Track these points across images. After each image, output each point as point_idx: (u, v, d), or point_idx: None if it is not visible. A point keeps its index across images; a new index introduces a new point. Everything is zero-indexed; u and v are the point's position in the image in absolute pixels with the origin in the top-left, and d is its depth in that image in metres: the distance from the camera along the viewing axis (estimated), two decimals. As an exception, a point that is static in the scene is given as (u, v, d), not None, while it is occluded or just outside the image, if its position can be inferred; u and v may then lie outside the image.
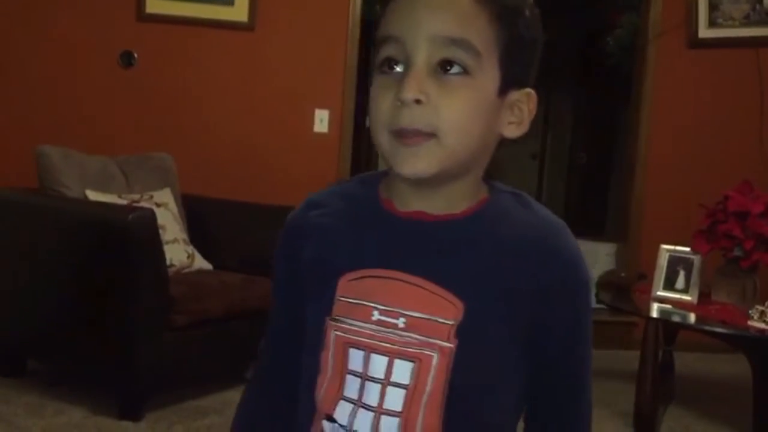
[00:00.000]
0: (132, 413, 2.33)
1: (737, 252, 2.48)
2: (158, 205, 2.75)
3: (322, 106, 3.55)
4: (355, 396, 0.73)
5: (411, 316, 0.72)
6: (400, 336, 0.72)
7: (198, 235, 2.92)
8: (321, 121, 3.57)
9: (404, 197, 0.75)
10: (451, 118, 0.69)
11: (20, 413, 2.34)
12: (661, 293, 2.61)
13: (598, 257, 4.04)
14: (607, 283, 2.87)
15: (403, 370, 0.72)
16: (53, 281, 2.50)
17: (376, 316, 0.72)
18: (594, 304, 4.16)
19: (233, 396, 2.39)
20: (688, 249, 2.59)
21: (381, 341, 0.72)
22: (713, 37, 3.57)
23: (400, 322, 0.72)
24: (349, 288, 0.74)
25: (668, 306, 2.56)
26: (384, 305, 0.72)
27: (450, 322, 0.71)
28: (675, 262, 2.60)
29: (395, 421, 0.72)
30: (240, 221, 2.95)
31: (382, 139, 0.71)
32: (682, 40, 3.63)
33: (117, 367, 2.37)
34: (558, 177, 6.62)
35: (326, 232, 0.77)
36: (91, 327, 2.40)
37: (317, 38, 3.53)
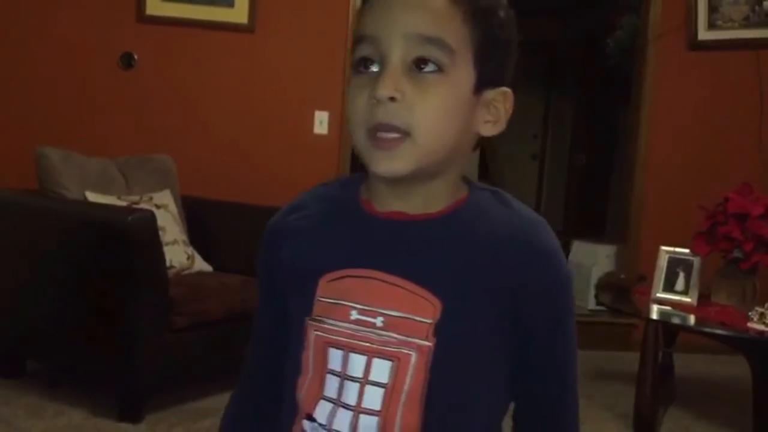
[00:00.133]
0: (132, 415, 2.33)
1: (737, 254, 2.48)
2: (158, 206, 2.76)
3: (322, 108, 3.56)
4: (334, 395, 0.74)
5: (389, 315, 0.72)
6: (379, 335, 0.72)
7: (198, 236, 2.92)
8: (321, 122, 3.57)
9: (382, 198, 0.76)
10: (426, 115, 0.70)
11: (20, 414, 2.34)
12: (660, 295, 2.61)
13: (597, 259, 4.04)
14: (606, 284, 2.87)
15: (381, 369, 0.72)
16: (53, 282, 2.50)
17: (354, 315, 0.73)
18: (593, 306, 4.16)
19: (233, 397, 2.38)
20: (687, 251, 2.60)
21: (359, 340, 0.73)
22: (713, 39, 3.57)
23: (379, 321, 0.72)
24: (328, 288, 0.75)
25: (668, 308, 2.56)
26: (362, 305, 0.73)
27: (428, 321, 0.72)
28: (675, 263, 2.61)
29: (374, 420, 0.72)
30: (240, 223, 2.95)
31: (358, 139, 0.72)
32: (682, 41, 3.63)
33: (117, 368, 2.37)
34: (558, 178, 6.63)
35: (305, 234, 0.78)
36: (91, 328, 2.40)
37: (317, 40, 3.54)
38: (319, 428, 0.75)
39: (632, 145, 3.82)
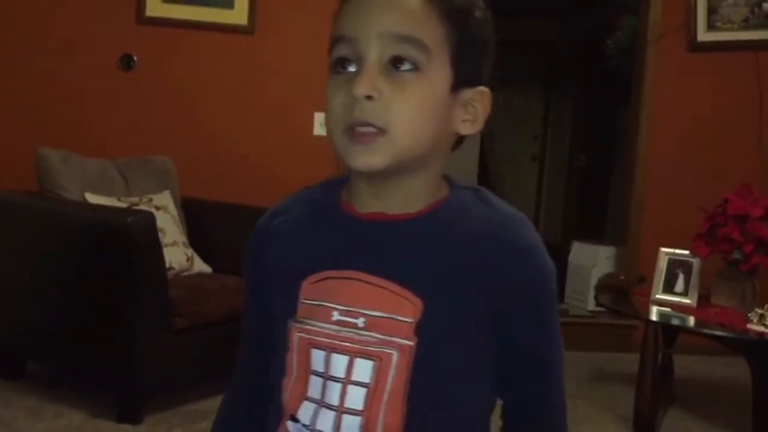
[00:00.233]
0: (131, 416, 2.33)
1: (736, 255, 2.49)
2: (158, 208, 2.76)
3: (322, 110, 3.49)
4: (318, 396, 0.74)
5: (370, 315, 0.73)
6: (360, 335, 0.73)
7: (197, 238, 2.92)
8: (321, 124, 3.57)
9: (363, 198, 0.76)
10: (402, 113, 0.70)
11: (20, 416, 2.34)
12: (660, 296, 2.61)
13: (597, 260, 4.04)
14: (606, 285, 2.87)
15: (363, 369, 0.72)
16: (53, 284, 2.50)
17: (336, 316, 0.74)
18: (593, 307, 4.17)
19: (233, 399, 2.38)
20: (687, 252, 2.60)
21: (341, 341, 0.73)
22: (712, 41, 3.57)
23: (360, 321, 0.73)
24: (311, 290, 0.76)
25: (668, 309, 2.56)
26: (343, 305, 0.73)
27: (409, 320, 0.72)
28: (674, 265, 2.61)
29: (357, 419, 0.72)
30: (239, 224, 2.93)
31: (336, 137, 0.73)
32: (682, 43, 3.63)
33: (116, 369, 2.37)
34: (558, 179, 6.63)
35: (289, 237, 0.79)
36: (91, 330, 2.40)
37: (317, 41, 3.50)
38: (303, 429, 0.75)
39: (632, 146, 3.82)
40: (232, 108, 3.52)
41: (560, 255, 4.70)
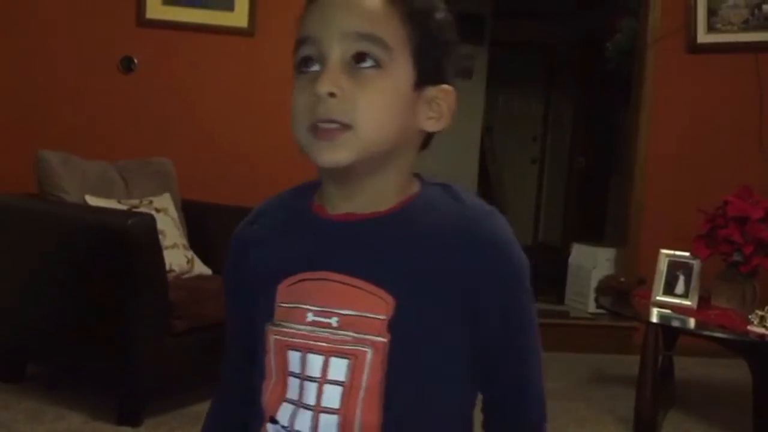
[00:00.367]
0: (131, 418, 2.33)
1: (737, 257, 2.48)
2: (158, 210, 2.76)
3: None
4: (295, 397, 0.76)
5: (343, 314, 0.74)
6: (334, 334, 0.74)
7: (198, 240, 2.92)
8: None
9: (333, 200, 0.77)
10: (366, 108, 0.71)
11: (20, 419, 2.34)
12: (660, 298, 2.61)
13: (597, 262, 4.04)
14: (606, 287, 2.87)
15: (338, 368, 0.74)
16: (53, 286, 2.50)
17: (310, 317, 0.75)
18: (593, 309, 4.16)
19: (233, 401, 2.38)
20: (687, 254, 2.60)
21: (316, 341, 0.74)
22: (712, 42, 3.57)
23: (334, 321, 0.74)
24: (287, 293, 0.77)
25: (668, 311, 2.56)
26: (317, 306, 0.75)
27: (382, 317, 0.73)
28: (675, 266, 2.61)
29: (334, 418, 0.73)
30: (240, 226, 2.95)
31: (300, 134, 0.74)
32: (681, 44, 3.63)
33: (116, 371, 2.36)
34: (557, 181, 6.63)
35: (264, 243, 0.81)
36: (91, 332, 2.39)
37: (317, 43, 3.53)
38: (282, 430, 0.76)
39: (632, 147, 3.82)
40: (233, 110, 3.52)
41: (560, 257, 4.70)
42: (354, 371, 0.73)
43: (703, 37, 3.59)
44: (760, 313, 2.31)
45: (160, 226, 2.43)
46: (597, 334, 3.69)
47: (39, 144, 2.86)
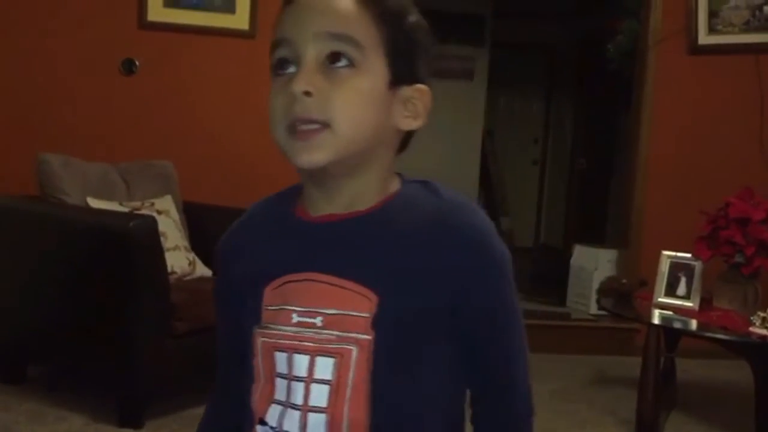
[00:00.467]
0: (132, 420, 2.33)
1: (738, 258, 2.48)
2: (159, 212, 2.76)
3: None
4: (283, 398, 0.76)
5: (327, 313, 0.75)
6: (319, 334, 0.75)
7: (199, 242, 2.92)
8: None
9: (315, 202, 0.79)
10: (342, 106, 0.73)
11: (21, 420, 2.34)
12: (662, 299, 2.60)
13: (599, 263, 4.03)
14: (608, 289, 2.87)
15: (324, 367, 0.74)
16: (54, 288, 2.50)
17: (295, 318, 0.76)
18: (595, 310, 4.14)
19: (234, 403, 2.38)
20: (689, 255, 2.59)
21: (302, 341, 0.75)
22: (713, 44, 3.57)
23: (318, 320, 0.75)
24: (272, 296, 0.78)
25: (670, 312, 2.56)
26: (302, 307, 0.76)
27: (365, 315, 0.74)
28: (676, 268, 2.60)
29: (322, 417, 0.74)
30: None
31: (279, 135, 0.75)
32: (682, 46, 3.63)
33: (117, 373, 2.37)
34: (559, 182, 6.62)
35: (250, 248, 0.83)
36: (92, 334, 2.40)
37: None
38: (271, 431, 0.77)
39: (633, 149, 3.82)
40: (234, 112, 3.53)
41: (562, 258, 4.69)
42: (340, 370, 0.74)
43: (704, 38, 3.59)
44: (761, 314, 2.31)
45: (161, 228, 2.44)
46: (599, 335, 3.69)
47: (40, 146, 2.86)
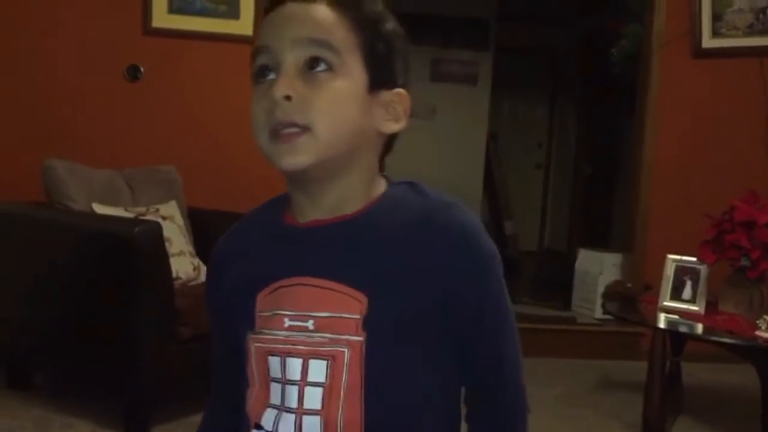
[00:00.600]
0: (138, 426, 2.33)
1: (744, 262, 2.48)
2: (164, 217, 2.76)
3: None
4: (278, 402, 0.77)
5: (318, 316, 0.76)
6: (311, 337, 0.76)
7: (204, 247, 2.92)
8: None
9: (301, 208, 0.80)
10: (321, 109, 0.74)
11: (27, 427, 2.34)
12: (667, 303, 2.60)
13: (604, 267, 4.02)
14: (613, 293, 2.86)
15: (318, 369, 0.75)
16: (59, 294, 2.51)
17: (287, 322, 0.77)
18: (600, 314, 4.12)
19: (239, 408, 2.38)
20: (694, 259, 2.59)
21: (294, 344, 0.76)
22: (717, 47, 3.57)
23: (310, 324, 0.76)
24: (265, 302, 0.79)
25: (675, 316, 2.55)
26: (293, 311, 0.77)
27: (356, 317, 0.74)
28: (681, 272, 2.60)
29: (316, 419, 0.75)
30: (246, 233, 2.95)
31: (262, 141, 0.77)
32: (686, 50, 3.63)
33: (123, 379, 2.37)
34: (563, 186, 6.62)
35: (241, 257, 0.84)
36: (97, 339, 2.40)
37: (322, 51, 3.54)
38: None
39: (637, 153, 3.82)
40: (238, 118, 3.51)
41: (566, 262, 4.69)
42: (333, 372, 0.75)
43: (708, 41, 3.58)
44: (767, 318, 2.30)
45: (166, 233, 2.44)
46: (604, 339, 3.68)
47: (46, 152, 2.87)
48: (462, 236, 0.76)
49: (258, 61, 0.78)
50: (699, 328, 2.48)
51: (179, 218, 2.90)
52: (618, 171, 5.32)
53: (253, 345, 0.79)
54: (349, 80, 0.76)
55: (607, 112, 5.52)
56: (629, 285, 2.90)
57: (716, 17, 3.56)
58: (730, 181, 3.35)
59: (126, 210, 2.75)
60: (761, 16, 3.51)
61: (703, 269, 2.56)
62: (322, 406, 0.75)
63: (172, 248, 2.63)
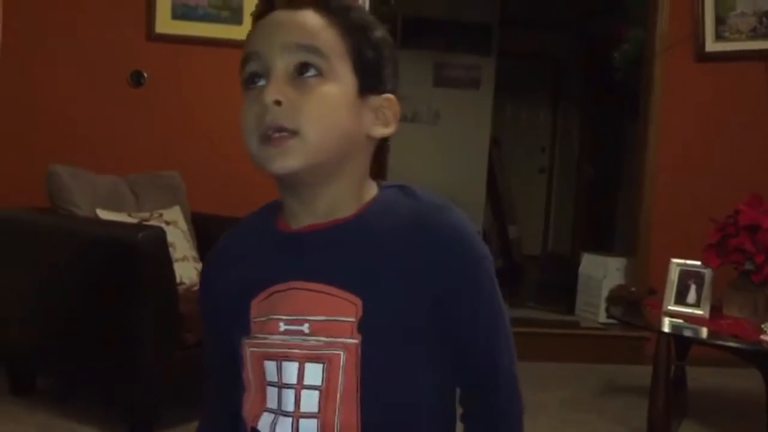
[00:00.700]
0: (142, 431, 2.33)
1: (748, 266, 2.47)
2: (168, 223, 2.77)
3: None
4: (275, 406, 0.77)
5: (314, 320, 0.76)
6: (307, 341, 0.76)
7: (207, 252, 2.92)
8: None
9: (294, 214, 0.80)
10: (310, 114, 0.75)
11: (31, 432, 2.35)
12: (672, 307, 2.59)
13: (608, 271, 4.02)
14: (617, 297, 2.86)
15: (314, 372, 0.76)
16: (63, 300, 2.51)
17: (282, 326, 0.77)
18: (604, 319, 4.11)
19: (243, 414, 2.38)
20: (698, 263, 2.58)
21: (290, 348, 0.77)
22: (720, 51, 3.57)
23: (305, 327, 0.76)
24: (259, 308, 0.79)
25: (680, 320, 2.54)
26: (288, 315, 0.77)
27: (351, 320, 0.75)
28: (686, 276, 2.59)
29: (313, 422, 0.75)
30: (249, 238, 2.95)
31: (252, 146, 0.77)
32: (689, 53, 3.63)
33: (126, 384, 2.37)
34: (566, 191, 6.61)
35: (234, 264, 0.84)
36: (101, 345, 2.40)
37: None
38: None
39: (640, 157, 3.81)
40: (241, 123, 3.54)
41: (570, 266, 4.68)
42: (329, 374, 0.75)
43: (711, 45, 3.58)
44: (772, 322, 2.29)
45: (170, 238, 2.44)
46: (608, 344, 3.67)
47: (50, 158, 2.88)
48: (454, 238, 0.77)
49: (248, 68, 0.78)
50: (704, 332, 2.47)
51: (183, 223, 2.90)
52: (621, 175, 5.31)
53: (249, 350, 0.80)
54: (338, 85, 0.76)
55: (611, 116, 5.51)
56: (633, 289, 2.89)
57: (719, 21, 3.56)
58: (734, 184, 3.35)
59: (130, 215, 2.76)
60: (764, 19, 3.50)
61: (707, 273, 2.56)
62: (319, 409, 0.75)
63: (175, 253, 2.63)
